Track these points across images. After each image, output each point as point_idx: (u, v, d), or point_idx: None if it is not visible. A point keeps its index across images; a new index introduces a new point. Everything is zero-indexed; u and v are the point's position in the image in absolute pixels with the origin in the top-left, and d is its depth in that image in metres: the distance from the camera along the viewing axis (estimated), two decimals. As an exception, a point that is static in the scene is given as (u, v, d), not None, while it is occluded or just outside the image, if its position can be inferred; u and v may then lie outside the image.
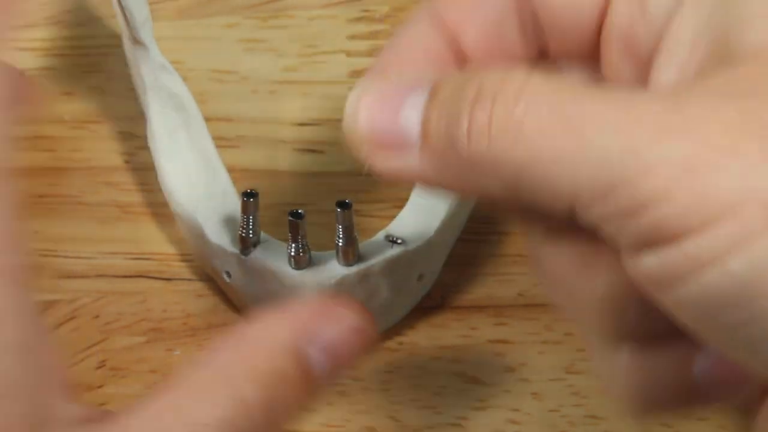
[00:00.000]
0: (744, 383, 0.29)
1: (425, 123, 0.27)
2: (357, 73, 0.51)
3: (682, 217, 0.24)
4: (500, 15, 0.31)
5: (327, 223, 0.43)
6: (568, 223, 0.28)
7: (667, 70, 0.28)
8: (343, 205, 0.41)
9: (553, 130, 0.25)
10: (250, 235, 0.42)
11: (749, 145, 0.24)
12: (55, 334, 0.44)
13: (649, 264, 0.25)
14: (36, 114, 0.29)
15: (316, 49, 0.52)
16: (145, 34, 0.44)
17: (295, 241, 0.41)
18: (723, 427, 0.42)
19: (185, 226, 0.45)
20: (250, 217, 0.42)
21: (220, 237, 0.43)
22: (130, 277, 0.46)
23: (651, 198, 0.24)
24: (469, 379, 0.43)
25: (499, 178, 0.26)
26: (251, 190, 0.42)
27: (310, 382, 0.29)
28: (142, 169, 0.48)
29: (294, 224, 0.41)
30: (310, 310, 0.30)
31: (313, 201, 0.47)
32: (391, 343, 0.44)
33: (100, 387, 0.43)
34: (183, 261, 0.46)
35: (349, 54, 0.52)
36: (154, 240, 0.47)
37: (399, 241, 0.42)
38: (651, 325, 0.28)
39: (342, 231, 0.41)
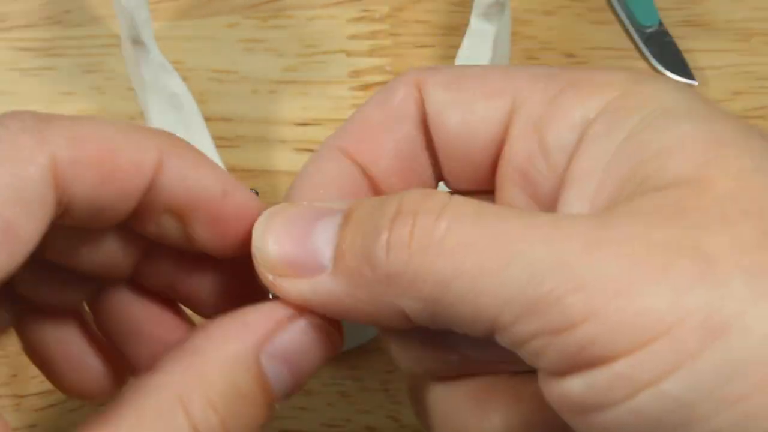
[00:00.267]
0: None
1: (340, 242, 0.27)
2: (357, 73, 0.51)
3: (614, 337, 0.23)
4: (406, 146, 0.30)
5: (327, 223, 0.43)
6: (465, 360, 0.28)
7: (576, 204, 0.27)
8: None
9: (477, 244, 0.24)
10: (250, 235, 0.42)
11: (681, 263, 0.23)
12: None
13: (575, 387, 0.24)
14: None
15: (316, 49, 0.52)
16: (145, 34, 0.44)
17: (295, 240, 0.41)
18: None
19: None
20: (250, 217, 0.42)
21: (220, 237, 0.43)
22: (130, 276, 0.46)
23: (581, 317, 0.23)
24: (469, 378, 0.43)
25: (417, 294, 0.25)
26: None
27: (268, 395, 0.28)
28: (142, 169, 0.48)
29: (294, 224, 0.41)
30: (264, 318, 0.29)
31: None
32: (391, 343, 0.44)
33: (100, 387, 0.43)
34: (183, 261, 0.46)
35: (349, 54, 0.52)
36: (154, 240, 0.47)
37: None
38: None
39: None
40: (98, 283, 0.33)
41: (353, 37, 0.53)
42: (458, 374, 0.30)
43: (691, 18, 0.54)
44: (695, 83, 0.51)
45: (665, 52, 0.52)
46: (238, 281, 0.32)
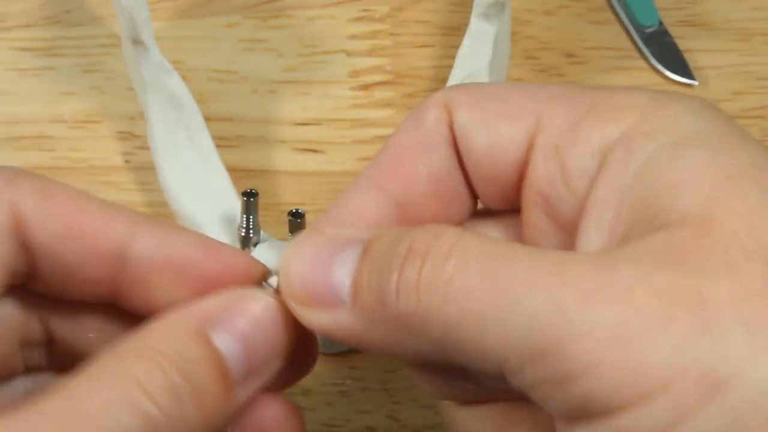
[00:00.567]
0: None
1: (356, 279, 0.27)
2: (357, 73, 0.51)
3: (614, 390, 0.23)
4: (440, 169, 0.30)
5: (327, 223, 0.43)
6: (485, 389, 0.28)
7: (594, 233, 0.27)
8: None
9: (481, 289, 0.25)
10: (250, 235, 0.42)
11: (682, 315, 0.23)
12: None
13: None
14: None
15: (316, 49, 0.52)
16: (145, 34, 0.44)
17: (295, 240, 0.41)
18: None
19: (185, 226, 0.45)
20: (250, 217, 0.42)
21: (220, 237, 0.43)
22: (130, 276, 0.46)
23: (581, 368, 0.23)
24: (469, 378, 0.43)
25: (427, 336, 0.25)
26: (251, 190, 0.42)
27: (222, 368, 0.28)
28: (142, 169, 0.48)
29: (294, 224, 0.41)
30: (214, 299, 0.29)
31: (313, 201, 0.47)
32: (391, 343, 0.44)
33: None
34: (183, 261, 0.46)
35: (349, 54, 0.52)
36: (154, 240, 0.47)
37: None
38: None
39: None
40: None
41: (353, 37, 0.53)
42: (480, 400, 0.30)
43: (691, 18, 0.54)
44: (695, 83, 0.51)
45: (665, 51, 0.52)
46: None
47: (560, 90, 0.29)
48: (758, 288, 0.24)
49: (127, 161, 0.49)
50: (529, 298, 0.24)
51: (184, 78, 0.46)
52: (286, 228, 0.41)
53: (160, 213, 0.47)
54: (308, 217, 0.41)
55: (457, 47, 0.48)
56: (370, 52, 0.52)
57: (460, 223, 0.31)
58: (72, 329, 0.31)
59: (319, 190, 0.48)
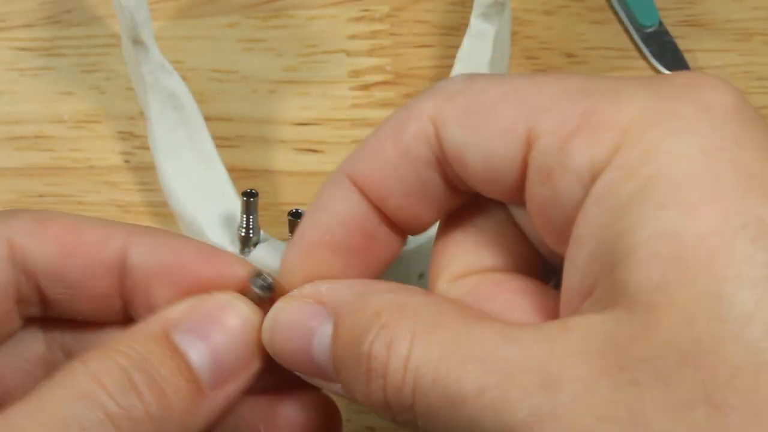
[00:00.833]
0: None
1: (335, 361, 0.28)
2: (357, 73, 0.51)
3: None
4: (416, 187, 0.30)
5: (327, 223, 0.43)
6: None
7: (572, 271, 0.27)
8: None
9: (433, 383, 0.26)
10: (250, 235, 0.42)
11: (610, 429, 0.24)
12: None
13: None
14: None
15: (316, 49, 0.52)
16: (145, 34, 0.44)
17: (295, 240, 0.41)
18: None
19: (185, 226, 0.45)
20: (250, 217, 0.42)
21: (220, 236, 0.43)
22: (130, 276, 0.46)
23: None
24: (469, 378, 0.43)
25: (403, 416, 0.27)
26: (251, 189, 0.41)
27: (186, 368, 0.29)
28: (142, 169, 0.48)
29: (294, 224, 0.41)
30: (183, 305, 0.30)
31: (313, 201, 0.47)
32: (391, 343, 0.44)
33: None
34: (183, 261, 0.46)
35: (349, 54, 0.52)
36: (154, 240, 0.47)
37: (399, 240, 0.42)
38: None
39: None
40: None
41: (353, 37, 0.53)
42: None
43: (691, 18, 0.54)
44: (695, 83, 0.51)
45: (665, 51, 0.52)
46: None
47: (552, 95, 0.28)
48: (689, 398, 0.24)
49: (127, 161, 0.49)
50: (468, 387, 0.26)
51: (184, 78, 0.46)
52: (286, 228, 0.41)
53: (160, 213, 0.47)
54: (308, 217, 0.41)
55: (457, 47, 0.48)
56: (370, 52, 0.52)
57: (438, 217, 0.31)
58: None
59: (319, 190, 0.48)
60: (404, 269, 0.42)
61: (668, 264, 0.24)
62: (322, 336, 0.29)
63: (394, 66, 0.52)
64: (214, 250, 0.31)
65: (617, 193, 0.26)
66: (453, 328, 0.27)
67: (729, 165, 0.25)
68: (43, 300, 0.31)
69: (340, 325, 0.28)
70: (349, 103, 0.51)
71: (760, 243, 0.24)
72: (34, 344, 0.32)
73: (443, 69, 0.51)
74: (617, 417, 0.24)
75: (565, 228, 0.27)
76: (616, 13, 0.54)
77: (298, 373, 0.30)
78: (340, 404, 0.42)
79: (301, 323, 0.29)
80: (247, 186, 0.42)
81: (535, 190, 0.28)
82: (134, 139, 0.49)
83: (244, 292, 0.31)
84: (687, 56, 0.52)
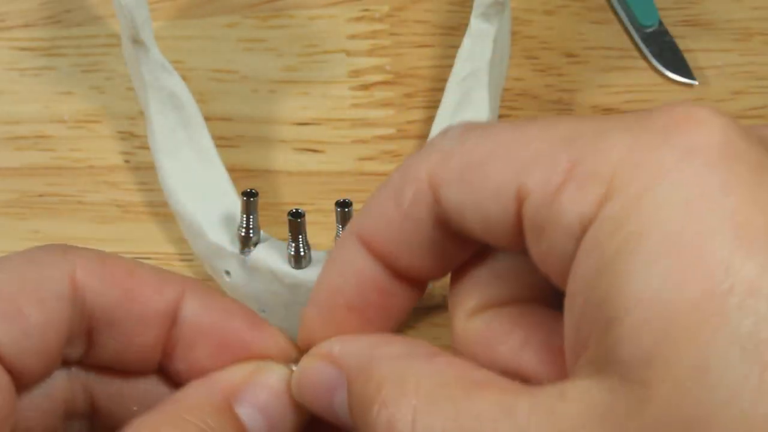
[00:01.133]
0: None
1: (353, 423, 0.29)
2: (357, 73, 0.51)
3: None
4: (420, 246, 0.30)
5: (327, 223, 0.43)
6: None
7: (568, 325, 0.27)
8: (343, 204, 0.41)
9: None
10: (250, 235, 0.42)
11: None
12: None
13: None
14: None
15: (316, 48, 0.52)
16: (145, 34, 0.44)
17: (295, 240, 0.41)
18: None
19: (185, 226, 0.45)
20: (250, 217, 0.42)
21: (220, 236, 0.43)
22: (130, 276, 0.46)
23: None
24: (469, 378, 0.43)
25: None
26: (251, 189, 0.42)
27: None
28: (142, 169, 0.48)
29: (294, 224, 0.41)
30: (235, 371, 0.31)
31: (313, 201, 0.47)
32: (391, 343, 0.44)
33: (100, 387, 0.43)
34: (183, 261, 0.46)
35: (349, 54, 0.52)
36: (154, 239, 0.47)
37: (399, 240, 0.42)
38: None
39: (342, 230, 0.41)
40: None
41: (353, 36, 0.53)
42: None
43: (691, 18, 0.54)
44: (695, 83, 0.51)
45: (665, 51, 0.52)
46: None
47: (537, 147, 0.28)
48: None
49: (127, 161, 0.49)
50: None
51: (184, 78, 0.46)
52: (286, 228, 0.41)
53: (160, 213, 0.47)
54: (308, 217, 0.41)
55: (457, 47, 0.48)
56: (370, 52, 0.52)
57: (451, 268, 0.31)
58: (117, 401, 0.32)
59: (319, 190, 0.48)
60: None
61: (658, 335, 0.24)
62: (341, 398, 0.30)
63: (394, 66, 0.52)
64: (262, 321, 0.32)
65: (603, 249, 0.26)
66: (454, 402, 0.27)
67: (714, 215, 0.25)
68: (89, 343, 0.31)
69: (351, 392, 0.29)
70: (349, 103, 0.51)
71: (745, 308, 0.24)
72: (57, 381, 0.31)
73: (443, 69, 0.51)
74: None
75: (565, 276, 0.27)
76: (616, 13, 0.54)
77: None
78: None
79: (322, 384, 0.30)
80: (247, 186, 0.42)
81: (533, 243, 0.28)
82: (134, 139, 0.49)
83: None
84: (687, 56, 0.52)
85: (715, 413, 0.24)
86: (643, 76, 0.52)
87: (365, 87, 0.51)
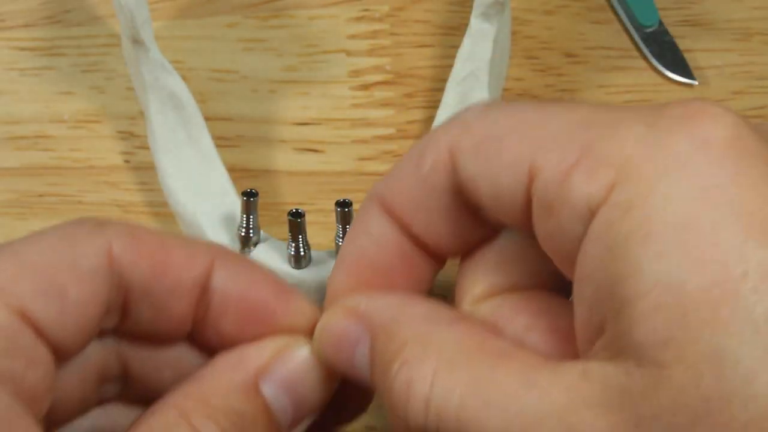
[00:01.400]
0: None
1: (372, 380, 0.30)
2: (357, 73, 0.51)
3: None
4: (439, 213, 0.31)
5: (327, 223, 0.43)
6: None
7: (579, 306, 0.28)
8: (343, 204, 0.41)
9: (457, 408, 0.27)
10: (250, 235, 0.42)
11: None
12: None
13: None
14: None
15: (316, 48, 0.52)
16: (145, 34, 0.44)
17: (295, 240, 0.41)
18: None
19: (185, 225, 0.45)
20: (250, 217, 0.42)
21: (220, 236, 0.43)
22: (130, 276, 0.46)
23: None
24: (469, 378, 0.43)
25: None
26: (251, 189, 0.42)
27: (271, 420, 0.30)
28: (142, 169, 0.48)
29: (294, 224, 0.41)
30: (263, 348, 0.31)
31: (313, 201, 0.47)
32: (391, 343, 0.44)
33: (100, 387, 0.43)
34: (183, 261, 0.46)
35: (349, 54, 0.52)
36: (154, 240, 0.47)
37: (399, 240, 0.42)
38: None
39: (342, 230, 0.41)
40: None
41: (353, 36, 0.53)
42: None
43: (691, 18, 0.54)
44: (695, 83, 0.51)
45: (665, 51, 0.52)
46: None
47: (556, 128, 0.28)
48: None
49: (127, 161, 0.49)
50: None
51: (184, 78, 0.46)
52: (286, 228, 0.41)
53: (160, 213, 0.47)
54: (308, 217, 0.41)
55: (457, 47, 0.48)
56: (370, 52, 0.52)
57: (463, 247, 0.32)
58: (149, 367, 0.32)
59: (319, 190, 0.48)
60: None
61: (673, 319, 0.25)
62: (362, 354, 0.30)
63: (394, 66, 0.52)
64: (287, 288, 0.32)
65: (614, 233, 0.26)
66: (475, 368, 0.27)
67: (726, 205, 0.25)
68: (124, 315, 0.31)
69: (374, 348, 0.30)
70: (349, 102, 0.51)
71: (760, 292, 0.24)
72: (92, 350, 0.31)
73: (443, 69, 0.51)
74: None
75: (571, 257, 0.28)
76: (616, 13, 0.54)
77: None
78: (340, 404, 0.43)
79: (345, 339, 0.31)
80: (247, 186, 0.42)
81: (540, 222, 0.28)
82: (134, 139, 0.49)
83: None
84: (687, 56, 0.52)
85: (730, 400, 0.24)
86: (643, 76, 0.52)
87: (365, 87, 0.51)
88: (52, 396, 0.29)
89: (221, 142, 0.48)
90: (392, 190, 0.31)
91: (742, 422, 0.24)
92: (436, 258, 0.32)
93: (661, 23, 0.53)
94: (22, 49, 0.52)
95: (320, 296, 0.41)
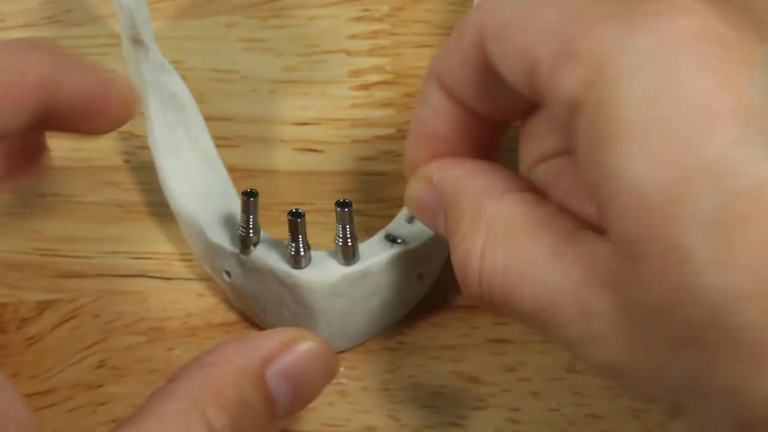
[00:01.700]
0: None
1: (446, 234, 0.33)
2: (357, 73, 0.51)
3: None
4: (481, 85, 0.33)
5: (327, 223, 0.43)
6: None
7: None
8: (343, 204, 0.41)
9: (507, 268, 0.30)
10: (250, 235, 0.42)
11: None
12: (56, 333, 0.44)
13: None
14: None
15: (316, 48, 0.52)
16: (145, 34, 0.44)
17: (295, 240, 0.41)
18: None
19: (185, 226, 0.45)
20: (250, 217, 0.42)
21: (220, 236, 0.43)
22: (130, 276, 0.46)
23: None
24: (469, 378, 0.43)
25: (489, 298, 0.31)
26: (251, 189, 0.42)
27: (271, 408, 0.32)
28: (143, 169, 0.48)
29: (294, 224, 0.41)
30: (271, 339, 0.33)
31: (313, 201, 0.47)
32: (391, 343, 0.44)
33: (100, 386, 0.43)
34: (183, 261, 0.46)
35: (349, 54, 0.52)
36: (154, 239, 0.47)
37: (399, 240, 0.42)
38: None
39: (342, 230, 0.41)
40: None
41: (353, 36, 0.53)
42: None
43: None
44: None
45: None
46: None
47: (554, 19, 0.29)
48: (678, 339, 0.27)
49: (127, 161, 0.49)
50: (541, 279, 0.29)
51: (184, 78, 0.46)
52: (286, 228, 0.41)
53: (160, 213, 0.47)
54: (308, 217, 0.41)
55: (457, 47, 0.48)
56: (370, 52, 0.52)
57: (519, 112, 0.34)
58: None
59: (319, 190, 0.48)
60: (404, 269, 0.42)
61: (641, 219, 0.26)
62: (438, 211, 0.34)
63: (394, 66, 0.52)
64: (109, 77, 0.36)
65: (588, 135, 0.27)
66: (514, 243, 0.30)
67: (685, 100, 0.26)
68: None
69: (446, 218, 0.33)
70: (349, 102, 0.51)
71: (708, 188, 0.25)
72: None
73: (443, 69, 0.51)
74: (634, 348, 0.28)
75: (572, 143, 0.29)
76: (616, 13, 0.54)
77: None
78: (340, 404, 0.43)
79: (427, 206, 0.35)
80: (247, 186, 0.42)
81: (542, 114, 0.31)
82: (134, 139, 0.49)
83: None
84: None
85: (693, 291, 0.26)
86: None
87: (365, 87, 0.51)
88: None
89: (221, 142, 0.48)
90: (442, 65, 0.34)
91: (704, 310, 0.26)
92: (495, 125, 0.34)
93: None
94: (22, 49, 0.52)
95: (320, 296, 0.41)
